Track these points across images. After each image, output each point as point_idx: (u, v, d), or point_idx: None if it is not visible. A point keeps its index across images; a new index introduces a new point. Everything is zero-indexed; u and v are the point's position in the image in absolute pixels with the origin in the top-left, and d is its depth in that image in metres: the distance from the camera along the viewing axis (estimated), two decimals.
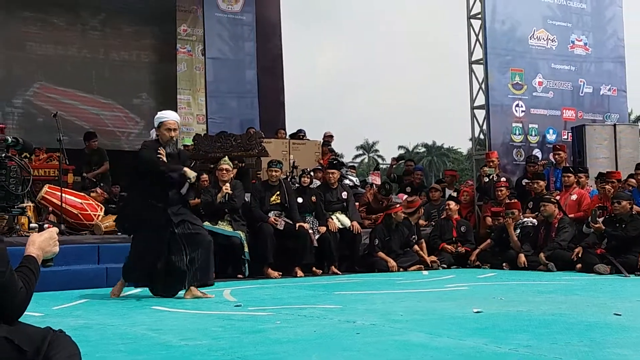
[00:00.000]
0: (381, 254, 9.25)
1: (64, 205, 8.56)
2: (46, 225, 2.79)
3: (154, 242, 6.13)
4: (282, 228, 8.82)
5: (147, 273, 6.23)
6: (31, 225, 2.83)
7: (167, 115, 6.36)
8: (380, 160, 56.52)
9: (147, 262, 6.16)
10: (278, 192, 9.10)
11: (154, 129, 6.69)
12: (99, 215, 9.07)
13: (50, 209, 8.84)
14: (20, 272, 2.57)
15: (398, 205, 9.65)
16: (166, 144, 6.26)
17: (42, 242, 2.70)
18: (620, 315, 4.74)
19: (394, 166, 14.59)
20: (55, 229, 2.78)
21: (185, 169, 6.18)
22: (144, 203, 6.19)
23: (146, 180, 6.23)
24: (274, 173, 9.13)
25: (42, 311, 5.15)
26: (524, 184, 10.71)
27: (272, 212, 8.98)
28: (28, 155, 9.02)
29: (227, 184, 8.43)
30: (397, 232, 9.48)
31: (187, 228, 6.16)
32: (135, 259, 6.26)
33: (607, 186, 9.40)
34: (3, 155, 2.55)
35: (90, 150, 11.53)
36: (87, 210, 9.01)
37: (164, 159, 6.16)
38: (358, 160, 62.97)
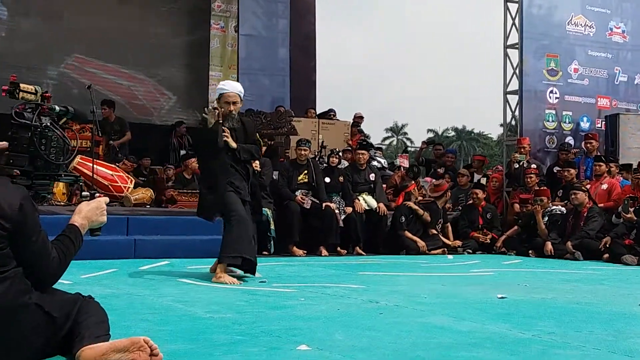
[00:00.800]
0: (407, 233, 9.27)
1: (95, 176, 8.68)
2: (97, 195, 2.82)
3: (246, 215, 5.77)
4: (308, 207, 8.86)
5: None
6: (83, 193, 2.85)
7: (227, 87, 5.86)
8: (409, 143, 56.25)
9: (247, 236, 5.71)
10: (306, 172, 9.13)
11: (214, 101, 6.14)
12: (128, 187, 9.19)
13: (82, 179, 8.99)
14: (57, 241, 2.62)
15: (412, 183, 9.70)
16: (225, 119, 5.77)
17: (89, 211, 2.72)
18: None
19: (423, 149, 14.53)
20: (105, 199, 2.79)
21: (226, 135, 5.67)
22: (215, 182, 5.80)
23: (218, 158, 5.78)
24: (302, 152, 9.15)
25: (70, 279, 5.24)
26: (555, 171, 10.60)
27: (300, 190, 9.02)
28: (72, 125, 9.14)
29: (257, 162, 8.44)
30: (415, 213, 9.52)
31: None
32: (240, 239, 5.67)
33: (639, 176, 9.26)
34: (44, 125, 2.59)
35: (110, 119, 11.42)
36: (118, 182, 9.13)
37: (229, 138, 5.70)
38: (387, 142, 62.79)
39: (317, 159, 10.24)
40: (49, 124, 2.64)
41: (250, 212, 5.91)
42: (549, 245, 8.90)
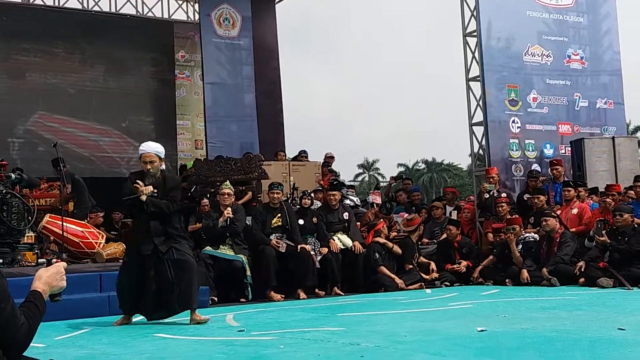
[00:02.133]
0: (383, 269, 9.25)
1: (65, 234, 8.56)
2: (54, 260, 2.80)
3: (136, 271, 6.24)
4: (283, 250, 8.81)
5: (134, 301, 6.33)
6: (40, 260, 2.84)
7: (144, 147, 6.38)
8: (380, 179, 56.56)
9: (131, 291, 6.28)
10: (279, 215, 9.12)
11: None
12: (100, 242, 9.08)
13: (52, 238, 8.86)
14: (24, 307, 2.58)
15: (381, 221, 9.72)
16: (145, 176, 6.31)
17: (49, 277, 2.71)
18: (624, 330, 4.72)
19: (392, 185, 14.61)
20: (63, 264, 2.79)
21: (137, 186, 6.20)
22: (132, 234, 6.45)
23: (133, 212, 6.44)
24: (275, 195, 9.15)
25: (45, 342, 5.13)
26: (525, 198, 10.71)
27: (274, 234, 8.98)
28: (64, 184, 9.00)
29: (229, 208, 8.46)
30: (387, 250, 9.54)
31: (172, 255, 6.20)
32: (120, 288, 6.42)
33: (607, 199, 9.40)
34: (4, 191, 2.57)
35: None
36: (89, 239, 9.02)
37: (144, 189, 6.18)
38: (359, 178, 63.06)
39: (289, 201, 10.23)
40: (7, 191, 2.62)
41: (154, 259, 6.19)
42: (525, 273, 8.94)
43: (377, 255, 9.34)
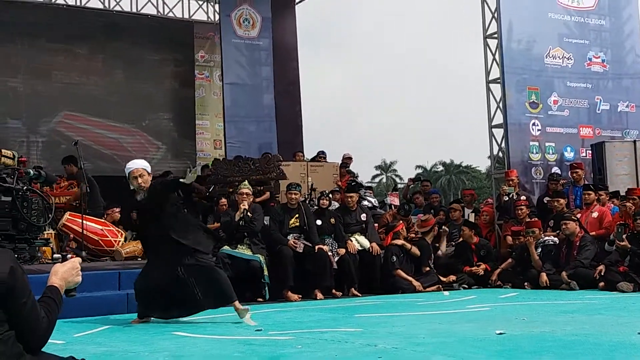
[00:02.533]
0: (400, 272, 9.23)
1: (84, 232, 8.63)
2: (69, 256, 2.83)
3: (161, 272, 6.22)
4: (301, 251, 8.82)
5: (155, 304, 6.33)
6: (55, 255, 2.85)
7: (131, 165, 6.46)
8: (398, 180, 56.39)
9: (152, 292, 6.27)
10: (297, 215, 9.13)
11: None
12: (119, 241, 9.13)
13: (72, 236, 8.92)
14: (42, 302, 2.61)
15: (400, 223, 9.68)
16: (137, 192, 6.38)
17: (65, 272, 2.74)
18: None
19: (410, 186, 14.56)
20: (78, 259, 2.82)
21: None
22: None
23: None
24: (293, 196, 9.16)
25: (63, 339, 5.18)
26: (545, 201, 10.64)
27: (291, 234, 8.99)
28: (77, 184, 9.07)
29: (245, 202, 8.50)
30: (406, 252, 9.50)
31: (192, 260, 6.21)
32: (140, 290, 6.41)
33: (627, 203, 9.31)
34: (25, 187, 2.59)
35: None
36: (108, 237, 9.08)
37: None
38: (376, 180, 62.94)
39: (307, 202, 10.24)
40: (30, 187, 2.65)
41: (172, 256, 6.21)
42: (544, 277, 8.88)
43: (394, 258, 9.30)
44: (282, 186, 10.28)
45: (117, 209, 10.23)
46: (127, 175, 6.41)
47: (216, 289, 6.21)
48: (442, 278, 9.58)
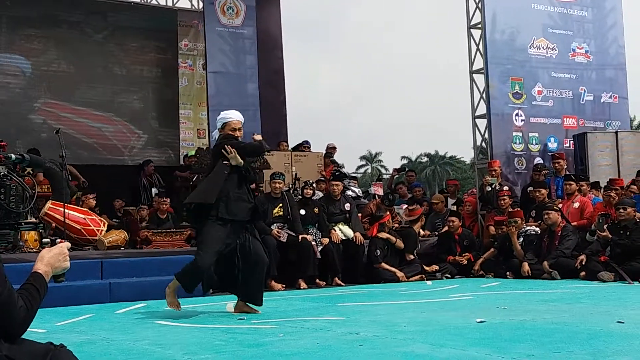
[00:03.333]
0: (384, 265, 9.25)
1: (66, 220, 8.57)
2: (58, 241, 2.78)
3: (230, 238, 5.76)
4: (285, 240, 8.83)
5: (224, 275, 5.90)
6: (43, 240, 2.78)
7: (231, 115, 6.03)
8: (383, 171, 56.51)
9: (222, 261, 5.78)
10: (281, 205, 9.12)
11: (216, 131, 6.26)
12: (101, 230, 9.09)
13: (53, 224, 8.86)
14: (23, 290, 2.57)
15: (387, 214, 9.70)
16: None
17: (51, 257, 2.68)
18: (623, 323, 4.73)
19: (395, 177, 14.60)
20: (67, 244, 2.74)
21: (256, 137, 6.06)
22: (228, 196, 5.77)
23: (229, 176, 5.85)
24: (277, 185, 9.16)
25: (45, 327, 5.16)
26: (529, 191, 10.70)
27: (275, 224, 8.99)
28: (31, 172, 8.95)
29: None
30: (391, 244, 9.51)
31: (248, 241, 5.87)
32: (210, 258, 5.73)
33: (612, 193, 9.39)
34: (2, 174, 2.55)
35: None
36: (90, 226, 9.03)
37: (235, 155, 5.82)
38: (361, 170, 63.04)
39: (291, 191, 10.24)
40: (6, 173, 2.60)
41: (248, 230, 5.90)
42: (526, 266, 8.94)
43: (378, 252, 9.31)
44: (266, 175, 10.27)
45: (92, 196, 10.14)
46: (220, 125, 5.99)
47: (253, 286, 5.91)
48: (425, 267, 9.62)
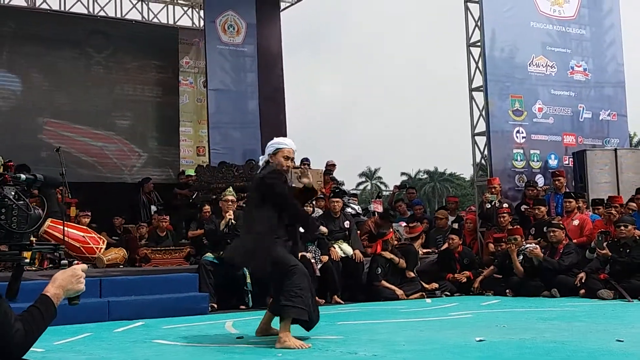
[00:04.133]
0: (384, 283, 9.22)
1: (66, 238, 8.57)
2: (75, 262, 2.74)
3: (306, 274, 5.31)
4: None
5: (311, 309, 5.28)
6: (62, 262, 2.75)
7: (286, 142, 5.55)
8: (383, 187, 56.55)
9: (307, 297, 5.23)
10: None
11: (263, 156, 5.67)
12: (101, 248, 9.08)
13: (53, 242, 8.87)
14: (26, 313, 2.52)
15: (390, 231, 9.67)
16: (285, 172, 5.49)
17: (64, 280, 2.62)
18: (622, 341, 4.71)
19: (395, 194, 14.60)
20: (83, 266, 2.69)
21: (322, 228, 5.51)
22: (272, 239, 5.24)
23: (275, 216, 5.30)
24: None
25: (43, 347, 5.13)
26: (522, 209, 10.70)
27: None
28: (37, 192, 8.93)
29: (231, 211, 8.48)
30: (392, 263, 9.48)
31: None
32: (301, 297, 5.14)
33: (612, 211, 9.39)
34: (1, 194, 2.54)
35: None
36: (90, 244, 9.03)
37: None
38: (361, 187, 63.02)
39: None
40: (12, 194, 2.59)
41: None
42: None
43: (379, 270, 9.28)
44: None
45: (84, 213, 10.11)
46: (272, 150, 5.45)
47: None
48: (425, 285, 9.59)
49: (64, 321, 6.62)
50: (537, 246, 9.04)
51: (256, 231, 5.25)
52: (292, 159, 5.52)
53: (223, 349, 5.04)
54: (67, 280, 2.62)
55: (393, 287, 9.23)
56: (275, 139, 5.67)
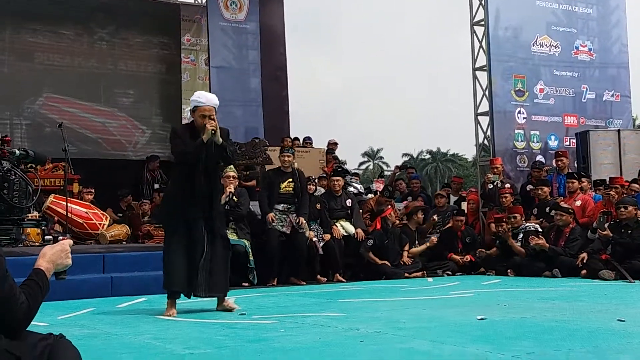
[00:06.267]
0: (371, 255, 9.24)
1: (69, 214, 8.60)
2: (60, 238, 2.77)
3: (186, 239, 5.57)
4: (288, 232, 8.76)
5: (185, 277, 5.59)
6: (46, 237, 2.79)
7: (203, 100, 5.49)
8: (385, 167, 56.50)
9: (182, 263, 5.56)
10: (290, 179, 8.84)
11: (189, 109, 5.75)
12: (104, 224, 9.12)
13: (56, 218, 8.90)
14: (25, 286, 2.57)
15: (389, 208, 9.69)
16: (200, 131, 5.47)
17: (53, 254, 2.67)
18: (624, 321, 4.73)
19: (396, 174, 14.59)
20: (69, 241, 2.75)
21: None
22: (175, 197, 5.61)
23: (177, 171, 5.62)
24: (286, 158, 8.92)
25: (47, 321, 5.17)
26: (528, 189, 10.71)
27: (282, 204, 8.81)
28: (34, 166, 8.98)
29: (231, 185, 8.44)
30: (395, 238, 9.50)
31: (211, 230, 5.64)
32: (170, 262, 5.61)
33: (611, 192, 9.39)
34: (5, 168, 2.56)
35: None
36: (93, 220, 9.06)
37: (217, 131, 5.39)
38: (363, 167, 62.99)
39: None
40: (10, 168, 2.61)
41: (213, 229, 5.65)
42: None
43: (370, 241, 9.30)
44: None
45: (88, 190, 10.14)
46: (191, 107, 5.52)
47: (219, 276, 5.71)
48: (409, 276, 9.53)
49: (68, 296, 6.67)
50: (542, 238, 8.96)
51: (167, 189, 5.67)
52: (210, 116, 5.42)
53: (226, 325, 5.08)
54: (57, 255, 2.68)
55: (375, 258, 9.21)
56: (196, 94, 5.68)
